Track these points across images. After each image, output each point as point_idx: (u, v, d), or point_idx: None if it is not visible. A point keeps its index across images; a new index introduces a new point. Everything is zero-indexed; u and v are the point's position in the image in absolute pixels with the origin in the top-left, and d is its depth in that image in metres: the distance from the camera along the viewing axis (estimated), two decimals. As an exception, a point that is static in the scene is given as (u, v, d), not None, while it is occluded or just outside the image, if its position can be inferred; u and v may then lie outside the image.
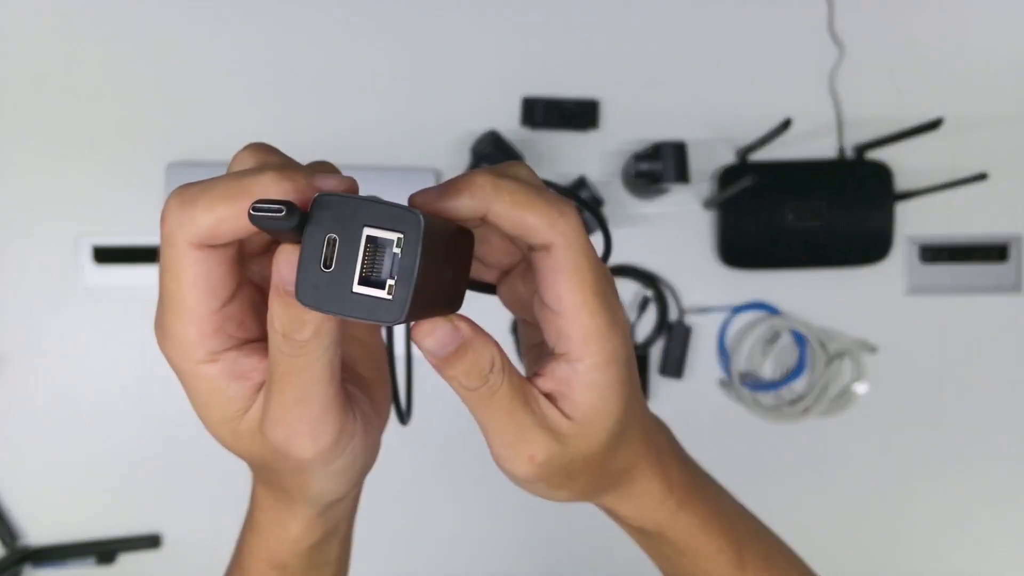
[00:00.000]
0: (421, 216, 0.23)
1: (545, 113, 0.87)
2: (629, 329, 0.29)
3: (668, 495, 0.33)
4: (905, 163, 0.88)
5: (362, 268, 0.23)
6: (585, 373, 0.27)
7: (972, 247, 0.90)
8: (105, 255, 0.87)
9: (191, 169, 0.85)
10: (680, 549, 0.35)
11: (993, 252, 0.90)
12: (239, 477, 0.93)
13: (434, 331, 0.26)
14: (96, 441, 0.88)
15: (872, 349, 0.89)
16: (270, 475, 0.30)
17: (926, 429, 0.91)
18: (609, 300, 0.27)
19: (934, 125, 0.71)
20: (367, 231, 0.23)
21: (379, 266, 0.23)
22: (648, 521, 0.34)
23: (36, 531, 0.89)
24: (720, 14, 0.89)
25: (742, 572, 0.36)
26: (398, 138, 0.87)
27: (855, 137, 0.88)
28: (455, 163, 0.87)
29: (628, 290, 0.89)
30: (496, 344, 0.28)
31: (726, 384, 0.90)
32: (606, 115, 0.88)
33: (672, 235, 0.89)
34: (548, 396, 0.28)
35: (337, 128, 0.88)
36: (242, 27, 0.88)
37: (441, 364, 0.27)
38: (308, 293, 0.23)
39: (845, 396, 0.89)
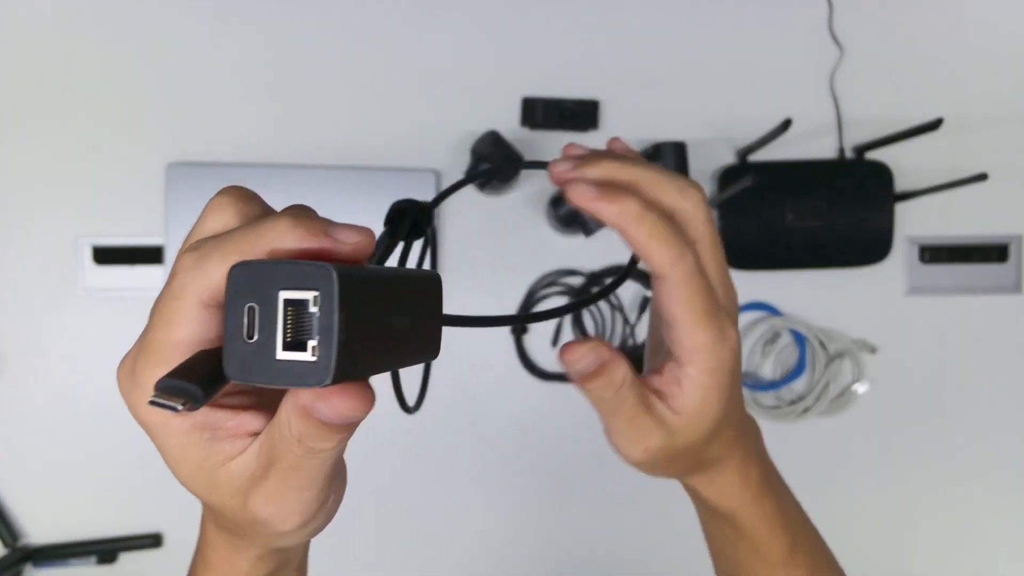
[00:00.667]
0: (333, 271, 0.21)
1: (545, 113, 0.87)
2: (738, 343, 0.32)
3: (745, 488, 0.38)
4: (905, 163, 0.88)
5: (284, 333, 0.22)
6: (693, 377, 0.31)
7: (972, 247, 0.90)
8: (105, 255, 0.87)
9: (191, 169, 0.85)
10: (742, 534, 0.39)
11: (993, 252, 0.90)
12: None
13: (584, 356, 0.31)
14: (96, 441, 0.89)
15: (872, 349, 0.89)
16: (229, 523, 0.29)
17: (926, 429, 0.91)
18: (718, 319, 0.31)
19: (934, 125, 0.71)
20: (283, 294, 0.22)
21: (305, 328, 0.22)
22: (723, 505, 0.38)
23: (37, 531, 0.89)
24: (720, 14, 0.89)
25: (791, 561, 0.41)
26: (398, 138, 0.87)
27: (855, 137, 0.88)
28: (455, 163, 0.87)
29: (628, 290, 0.89)
30: (627, 363, 0.31)
31: (726, 384, 0.90)
32: (606, 115, 0.88)
33: (672, 235, 0.89)
34: (661, 393, 0.33)
35: (337, 128, 0.88)
36: (242, 27, 0.88)
37: (583, 381, 0.31)
38: (235, 366, 0.22)
39: (845, 396, 0.89)
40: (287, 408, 0.24)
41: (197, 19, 0.88)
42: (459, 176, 0.84)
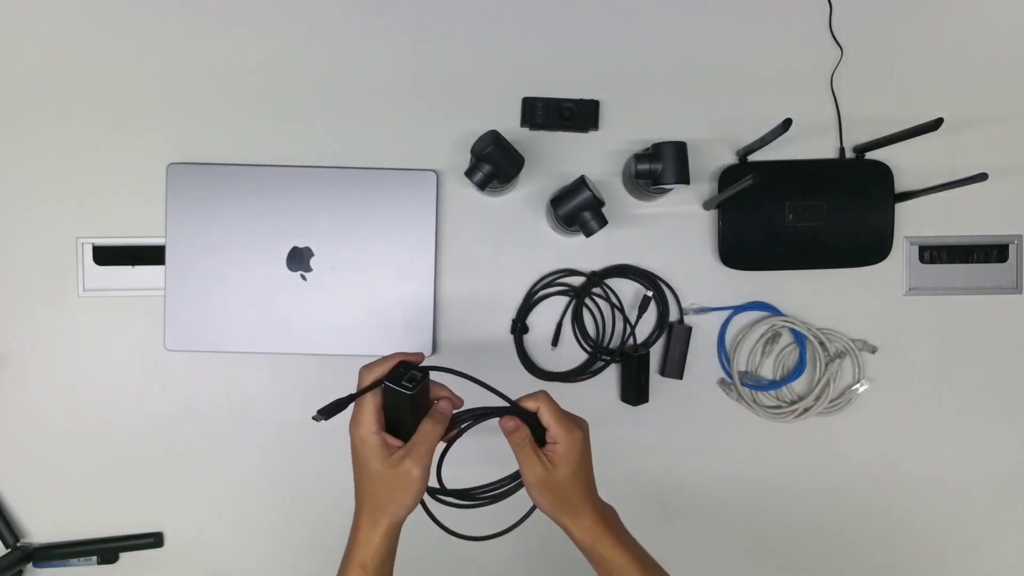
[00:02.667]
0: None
1: (545, 113, 0.87)
2: (582, 442, 0.63)
3: (598, 527, 0.62)
4: (905, 163, 0.88)
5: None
6: (560, 448, 0.62)
7: (972, 247, 0.90)
8: (105, 255, 0.87)
9: (191, 169, 0.85)
10: (602, 562, 0.62)
11: (993, 252, 0.90)
12: (239, 476, 0.93)
13: (508, 425, 0.63)
14: (97, 440, 0.89)
15: (872, 349, 0.89)
16: (378, 495, 0.59)
17: (926, 429, 0.91)
18: (576, 432, 0.63)
19: (934, 125, 0.71)
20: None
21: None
22: (584, 541, 0.63)
23: (38, 530, 0.89)
24: (720, 15, 0.89)
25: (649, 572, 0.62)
26: (398, 138, 0.87)
27: (855, 137, 0.88)
28: (455, 163, 0.87)
29: (628, 290, 0.89)
30: (528, 429, 0.63)
31: (726, 384, 0.90)
32: (606, 115, 0.88)
33: (672, 235, 0.89)
34: (546, 452, 0.62)
35: (338, 128, 0.88)
36: (243, 28, 0.88)
37: (508, 436, 0.63)
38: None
39: (845, 396, 0.89)
40: (432, 424, 0.61)
41: (198, 20, 0.88)
42: (459, 176, 0.84)
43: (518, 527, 0.65)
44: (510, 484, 0.65)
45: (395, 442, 0.60)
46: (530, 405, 0.62)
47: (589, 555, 0.62)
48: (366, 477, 0.59)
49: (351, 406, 0.59)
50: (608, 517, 0.63)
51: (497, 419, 0.62)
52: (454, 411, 0.63)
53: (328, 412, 0.56)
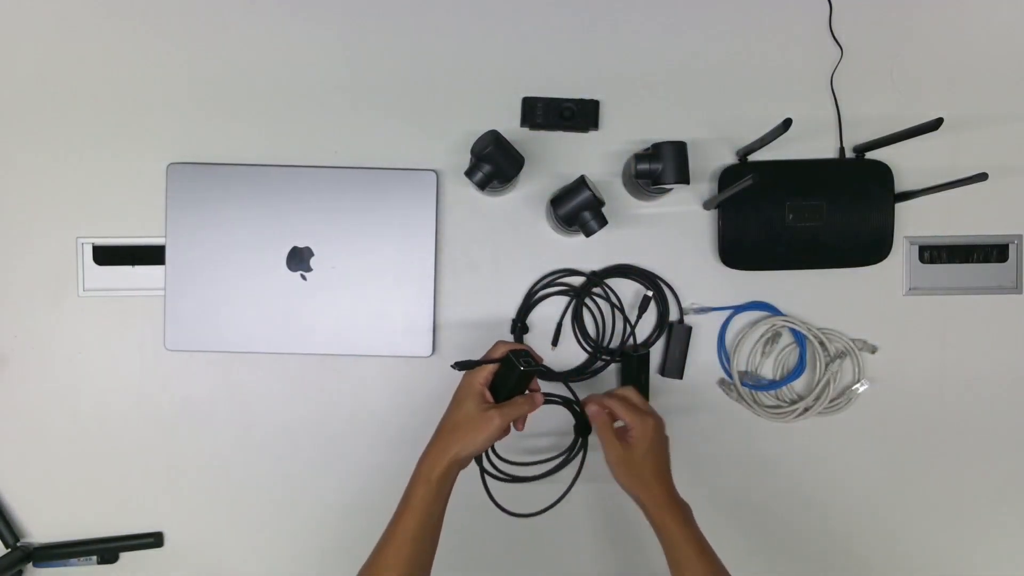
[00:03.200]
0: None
1: (545, 113, 0.87)
2: (653, 429, 0.75)
3: (667, 497, 0.73)
4: (905, 163, 0.88)
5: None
6: (634, 432, 0.74)
7: (972, 247, 0.90)
8: (105, 255, 0.87)
9: (191, 169, 0.85)
10: (671, 541, 0.71)
11: (993, 252, 0.90)
12: (239, 476, 0.93)
13: (596, 411, 0.76)
14: (97, 440, 0.89)
15: (872, 349, 0.89)
16: (458, 428, 0.71)
17: (926, 429, 0.91)
18: (649, 420, 0.75)
19: (934, 125, 0.71)
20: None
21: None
22: (653, 514, 0.72)
23: (38, 530, 0.89)
24: (720, 15, 0.89)
25: (705, 556, 0.71)
26: (398, 138, 0.87)
27: (855, 137, 0.88)
28: (455, 163, 0.87)
29: (628, 290, 0.89)
30: (607, 415, 0.76)
31: (726, 384, 0.90)
32: (606, 115, 0.88)
33: (672, 235, 0.89)
34: (623, 436, 0.75)
35: (338, 128, 0.88)
36: (243, 28, 0.88)
37: (592, 420, 0.77)
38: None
39: (845, 396, 0.89)
40: (528, 402, 0.74)
41: (198, 20, 0.88)
42: (459, 176, 0.84)
43: (556, 506, 0.76)
44: (559, 458, 0.78)
45: (491, 399, 0.72)
46: (605, 402, 0.76)
47: (658, 530, 0.72)
48: (457, 411, 0.71)
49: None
50: (681, 504, 0.73)
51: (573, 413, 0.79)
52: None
53: (463, 366, 0.72)
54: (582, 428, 0.80)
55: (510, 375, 0.72)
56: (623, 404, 0.75)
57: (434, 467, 0.69)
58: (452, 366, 0.72)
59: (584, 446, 0.79)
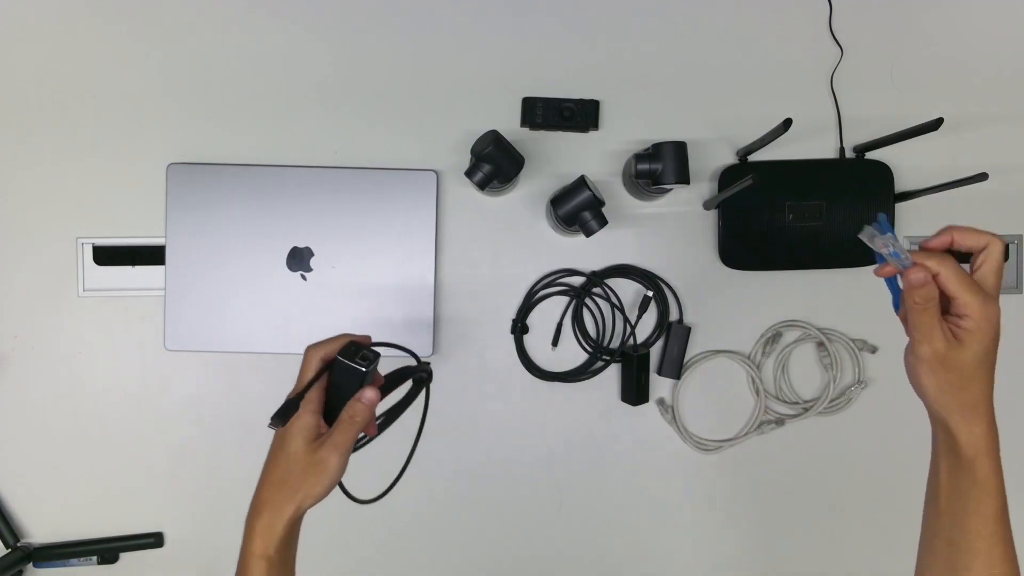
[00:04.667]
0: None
1: (545, 113, 0.87)
2: (998, 322, 0.52)
3: (991, 440, 0.53)
4: (905, 163, 0.88)
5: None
6: (976, 321, 0.51)
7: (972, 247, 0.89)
8: (105, 256, 0.87)
9: (191, 169, 0.85)
10: (977, 482, 0.51)
11: (993, 252, 0.90)
12: (239, 476, 0.93)
13: (922, 280, 0.50)
14: (97, 440, 0.89)
15: (872, 349, 0.89)
16: (289, 479, 0.55)
17: (926, 429, 0.90)
18: (994, 306, 0.52)
19: (934, 125, 0.71)
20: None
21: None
22: (970, 451, 0.52)
23: (38, 530, 0.89)
24: (720, 15, 0.89)
25: (1003, 517, 0.52)
26: (398, 138, 0.87)
27: (855, 137, 0.88)
28: (455, 163, 0.87)
29: (628, 290, 0.89)
30: (936, 288, 0.51)
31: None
32: (606, 115, 0.88)
33: (672, 235, 0.89)
34: (953, 321, 0.52)
35: (338, 128, 0.88)
36: (243, 27, 0.88)
37: (910, 291, 0.51)
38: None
39: (845, 396, 0.89)
40: (357, 406, 0.58)
41: (198, 19, 0.88)
42: (459, 176, 0.84)
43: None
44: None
45: (323, 426, 0.57)
46: (931, 265, 0.50)
47: (967, 469, 0.52)
48: (280, 459, 0.56)
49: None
50: (995, 426, 0.54)
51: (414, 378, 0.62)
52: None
53: (283, 416, 0.55)
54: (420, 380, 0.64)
55: (350, 382, 0.58)
56: (961, 277, 0.51)
57: (270, 539, 0.54)
58: (270, 426, 0.56)
59: (427, 397, 0.64)
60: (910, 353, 0.54)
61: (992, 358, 0.53)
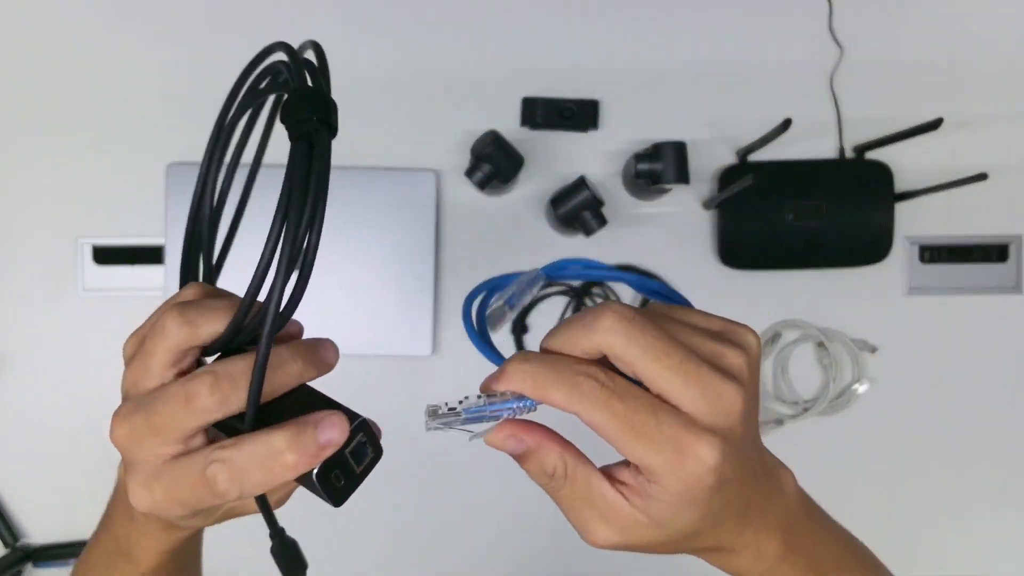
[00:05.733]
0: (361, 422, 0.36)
1: (545, 113, 0.87)
2: (717, 456, 0.28)
3: (759, 562, 0.34)
4: (905, 163, 0.88)
5: (355, 463, 0.36)
6: (661, 496, 0.29)
7: (972, 247, 0.90)
8: (105, 255, 0.87)
9: (191, 169, 0.85)
10: None
11: (993, 252, 0.90)
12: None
13: (504, 441, 0.31)
14: (97, 441, 0.88)
15: (872, 349, 0.89)
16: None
17: (926, 429, 0.91)
18: (668, 436, 0.29)
19: (934, 125, 0.71)
20: (347, 452, 0.34)
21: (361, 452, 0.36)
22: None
23: (37, 530, 0.89)
24: (720, 14, 0.89)
25: None
26: (398, 138, 0.87)
27: (855, 137, 0.88)
28: (455, 163, 0.87)
29: (628, 290, 0.89)
30: (560, 451, 0.31)
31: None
32: (606, 115, 0.88)
33: (672, 235, 0.89)
34: (623, 484, 0.31)
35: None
36: (242, 27, 0.88)
37: (517, 461, 0.33)
38: (340, 499, 0.35)
39: (845, 396, 0.89)
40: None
41: (197, 18, 0.88)
42: (459, 176, 0.84)
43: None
44: None
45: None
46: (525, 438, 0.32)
47: None
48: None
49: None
50: (780, 528, 0.34)
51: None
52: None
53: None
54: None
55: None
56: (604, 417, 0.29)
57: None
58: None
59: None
60: (587, 538, 0.33)
61: (714, 508, 0.30)
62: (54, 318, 0.88)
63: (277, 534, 0.38)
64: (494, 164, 0.78)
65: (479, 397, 0.31)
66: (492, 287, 0.41)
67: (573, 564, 0.91)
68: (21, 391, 0.88)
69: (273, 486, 0.30)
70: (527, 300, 0.37)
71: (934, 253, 0.90)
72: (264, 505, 0.36)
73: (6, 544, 0.88)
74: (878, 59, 0.89)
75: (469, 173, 0.78)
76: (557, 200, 0.79)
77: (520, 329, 0.88)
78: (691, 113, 0.88)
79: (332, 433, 0.30)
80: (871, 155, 0.87)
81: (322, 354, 0.34)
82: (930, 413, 0.90)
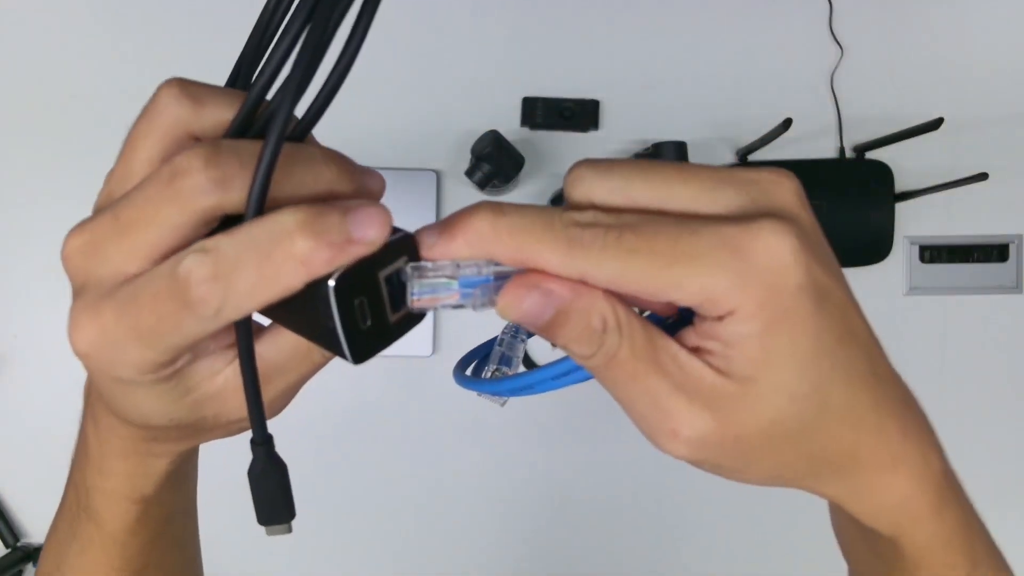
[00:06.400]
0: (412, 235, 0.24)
1: (545, 113, 0.87)
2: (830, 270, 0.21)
3: (915, 494, 0.25)
4: (905, 163, 0.88)
5: (391, 305, 0.23)
6: (745, 321, 0.20)
7: (972, 247, 0.90)
8: (105, 255, 0.87)
9: (191, 169, 0.85)
10: (912, 562, 0.26)
11: (993, 252, 0.90)
12: (238, 476, 0.93)
13: (519, 303, 0.21)
14: (97, 441, 0.89)
15: (872, 349, 0.89)
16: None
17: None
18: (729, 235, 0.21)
19: (934, 125, 0.71)
20: (382, 274, 0.22)
21: (399, 294, 0.24)
22: (883, 522, 0.26)
23: (38, 530, 0.89)
24: (720, 14, 0.89)
25: None
26: (398, 138, 0.87)
27: (855, 137, 0.88)
28: (455, 163, 0.87)
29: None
30: (606, 297, 0.21)
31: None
32: (606, 115, 0.88)
33: (672, 235, 0.89)
34: (696, 350, 0.21)
35: (337, 128, 0.87)
36: (242, 27, 0.88)
37: (545, 336, 0.22)
38: (361, 352, 0.23)
39: (845, 396, 0.89)
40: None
41: (197, 19, 0.88)
42: (459, 176, 0.84)
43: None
44: None
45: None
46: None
47: (875, 537, 0.27)
48: None
49: None
50: (936, 448, 0.28)
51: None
52: None
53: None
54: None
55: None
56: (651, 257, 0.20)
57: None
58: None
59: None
60: (655, 441, 0.25)
61: (823, 345, 0.23)
62: (54, 318, 0.88)
63: (264, 441, 0.26)
64: (494, 164, 0.78)
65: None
66: (471, 358, 0.36)
67: (573, 564, 0.91)
68: (21, 391, 0.88)
69: (272, 295, 0.20)
70: (521, 351, 0.34)
71: (934, 253, 0.90)
72: (253, 385, 0.25)
73: (6, 544, 0.88)
74: (878, 59, 0.89)
75: (469, 173, 0.79)
76: (557, 200, 0.79)
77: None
78: (691, 113, 0.88)
79: (368, 227, 0.20)
80: (871, 155, 0.87)
81: (366, 177, 0.26)
82: (930, 413, 0.90)
